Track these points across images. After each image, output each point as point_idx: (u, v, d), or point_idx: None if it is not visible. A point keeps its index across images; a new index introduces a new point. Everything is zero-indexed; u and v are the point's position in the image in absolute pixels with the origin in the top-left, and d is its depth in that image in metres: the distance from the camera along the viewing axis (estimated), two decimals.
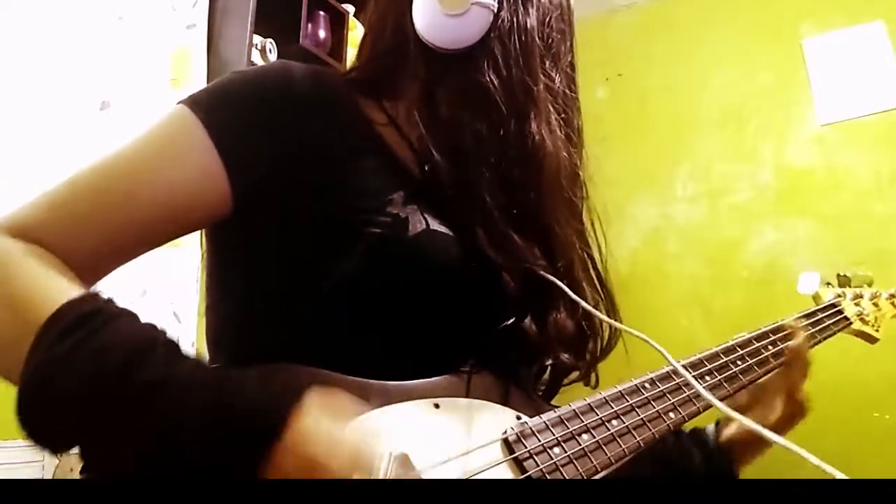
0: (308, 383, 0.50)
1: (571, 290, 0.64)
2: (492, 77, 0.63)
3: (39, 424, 0.45)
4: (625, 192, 2.75)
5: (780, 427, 0.81)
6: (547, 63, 0.67)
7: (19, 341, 0.46)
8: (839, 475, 0.44)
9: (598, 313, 0.66)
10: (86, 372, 0.44)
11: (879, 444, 2.04)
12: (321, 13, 2.16)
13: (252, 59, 1.88)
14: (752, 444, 0.81)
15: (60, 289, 0.49)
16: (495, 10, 0.63)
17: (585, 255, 0.71)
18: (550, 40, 0.68)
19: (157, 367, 0.45)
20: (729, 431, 0.82)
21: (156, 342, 0.47)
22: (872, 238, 2.22)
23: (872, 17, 2.40)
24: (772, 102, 2.53)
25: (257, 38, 1.93)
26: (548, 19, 0.67)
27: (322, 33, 2.15)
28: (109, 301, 0.50)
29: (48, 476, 1.30)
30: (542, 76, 0.65)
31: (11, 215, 0.54)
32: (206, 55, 1.86)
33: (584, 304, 0.65)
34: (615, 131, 2.81)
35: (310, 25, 2.11)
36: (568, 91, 0.70)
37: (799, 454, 0.46)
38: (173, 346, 0.48)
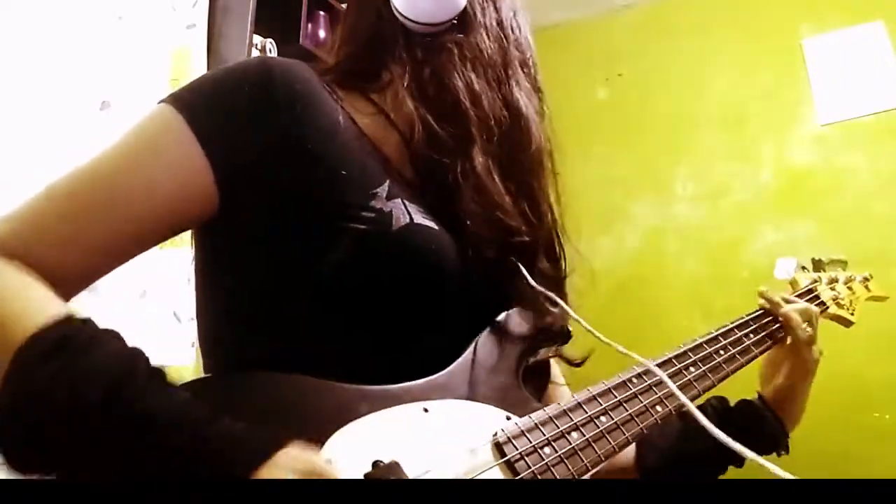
0: (296, 398, 0.51)
1: (551, 245, 0.70)
2: (476, 46, 0.67)
3: (13, 455, 0.44)
4: (625, 192, 2.75)
5: (802, 380, 0.88)
6: (514, 31, 0.72)
7: None
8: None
9: (574, 313, 0.67)
10: (58, 409, 0.43)
11: (879, 444, 2.04)
12: (321, 13, 2.16)
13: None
14: (790, 397, 0.88)
15: (38, 308, 0.48)
16: None
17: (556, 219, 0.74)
18: (513, 11, 0.73)
19: (133, 403, 0.44)
20: (767, 392, 0.89)
21: (134, 376, 0.45)
22: (872, 238, 2.22)
23: (872, 17, 2.40)
24: (772, 102, 2.53)
25: (257, 38, 1.93)
26: None
27: (322, 33, 2.15)
28: (86, 322, 0.48)
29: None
30: (512, 44, 0.71)
31: None
32: (206, 55, 1.85)
33: (564, 306, 0.66)
34: (615, 131, 2.81)
35: (310, 25, 2.11)
36: (532, 58, 0.74)
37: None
38: (151, 380, 0.46)
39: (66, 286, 0.52)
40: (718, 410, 0.85)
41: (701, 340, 0.81)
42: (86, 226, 0.53)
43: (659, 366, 0.72)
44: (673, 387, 0.59)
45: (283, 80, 0.61)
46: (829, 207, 2.36)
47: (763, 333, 0.88)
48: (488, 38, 0.68)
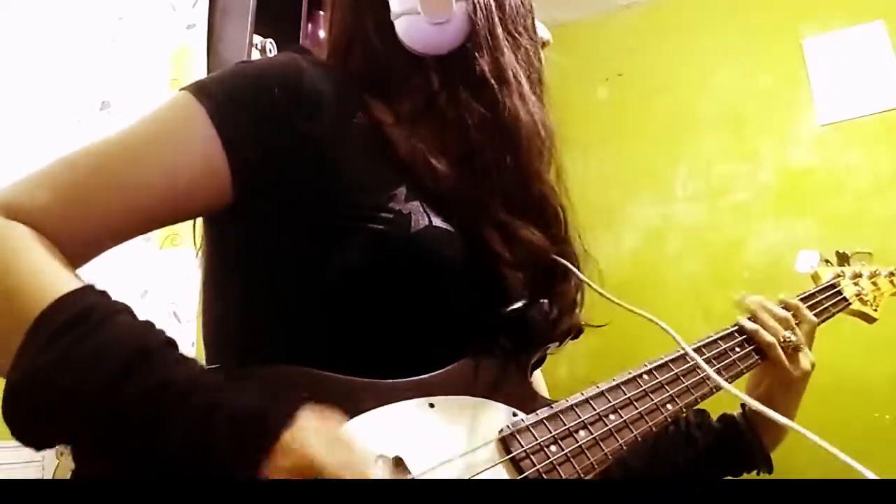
0: (304, 388, 0.51)
1: (564, 252, 0.68)
2: (477, 67, 0.65)
3: (26, 428, 0.45)
4: (625, 192, 2.75)
5: (782, 395, 0.83)
6: (512, 28, 0.69)
7: (10, 332, 0.46)
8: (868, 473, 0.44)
9: (613, 298, 0.66)
10: (77, 380, 0.43)
11: (879, 444, 2.04)
12: (321, 13, 2.16)
13: (252, 59, 1.87)
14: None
15: (54, 281, 0.48)
16: (473, 9, 0.64)
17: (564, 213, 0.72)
18: (511, 3, 0.70)
19: (152, 373, 0.44)
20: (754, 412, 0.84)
21: (149, 348, 0.46)
22: (872, 238, 2.22)
23: (872, 17, 2.40)
24: (772, 102, 2.53)
25: (257, 38, 1.93)
26: None
27: (322, 33, 2.15)
28: (102, 295, 0.49)
29: (48, 476, 1.30)
30: (505, 45, 0.67)
31: (8, 193, 0.53)
32: (206, 55, 1.85)
33: (603, 292, 0.65)
34: (615, 131, 2.81)
35: (310, 25, 2.11)
36: (529, 47, 0.71)
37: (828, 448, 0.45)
38: (167, 351, 0.47)
39: (75, 257, 0.53)
40: (695, 426, 0.83)
41: (716, 336, 0.81)
42: (101, 205, 0.54)
43: (678, 359, 0.72)
44: (709, 370, 0.57)
45: (310, 81, 0.61)
46: (829, 207, 2.36)
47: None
48: (496, 49, 0.66)
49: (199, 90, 0.58)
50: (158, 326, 0.49)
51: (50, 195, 0.53)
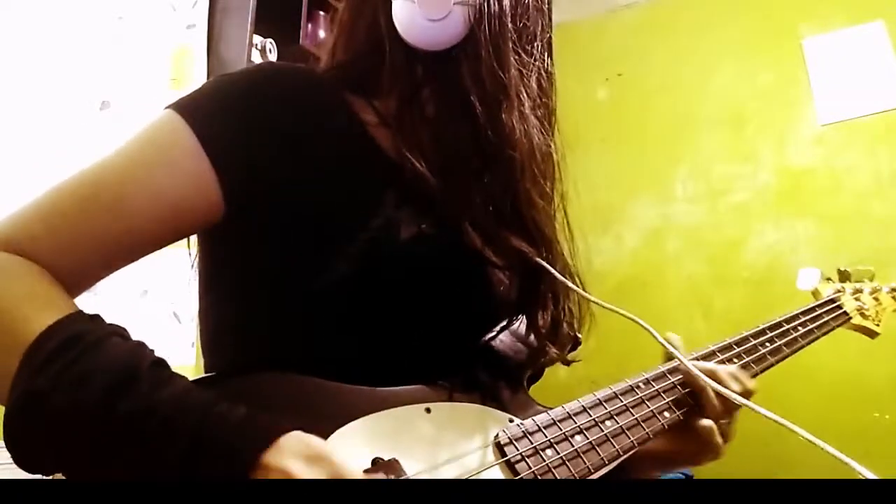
0: (297, 395, 0.51)
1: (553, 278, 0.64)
2: (468, 73, 0.63)
3: (25, 450, 0.45)
4: (625, 192, 2.75)
5: (684, 459, 0.75)
6: (520, 45, 0.66)
7: (3, 361, 0.46)
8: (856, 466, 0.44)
9: (610, 306, 0.65)
10: (70, 400, 0.44)
11: (879, 444, 2.04)
12: (321, 13, 2.16)
13: (252, 59, 1.88)
14: (658, 461, 0.75)
15: (46, 307, 0.48)
16: (476, 7, 0.62)
17: (559, 242, 0.69)
18: (524, 21, 0.67)
19: (139, 396, 0.44)
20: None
21: (137, 369, 0.46)
22: (872, 238, 2.22)
23: (872, 17, 2.40)
24: (772, 102, 2.53)
25: (257, 38, 1.93)
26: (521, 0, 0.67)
27: (322, 33, 2.15)
28: (94, 320, 0.49)
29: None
30: (513, 62, 0.64)
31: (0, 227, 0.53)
32: (207, 55, 1.86)
33: (593, 298, 0.64)
34: (615, 131, 2.81)
35: (310, 25, 2.11)
36: (543, 71, 0.69)
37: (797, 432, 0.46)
38: (155, 372, 0.47)
39: (71, 286, 0.53)
40: None
41: (730, 341, 0.81)
42: (90, 233, 0.54)
43: (670, 371, 0.72)
44: (695, 370, 0.57)
45: (292, 89, 0.60)
46: (829, 207, 2.36)
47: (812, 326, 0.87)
48: (500, 63, 0.63)
49: (183, 108, 0.58)
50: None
51: (40, 228, 0.53)
